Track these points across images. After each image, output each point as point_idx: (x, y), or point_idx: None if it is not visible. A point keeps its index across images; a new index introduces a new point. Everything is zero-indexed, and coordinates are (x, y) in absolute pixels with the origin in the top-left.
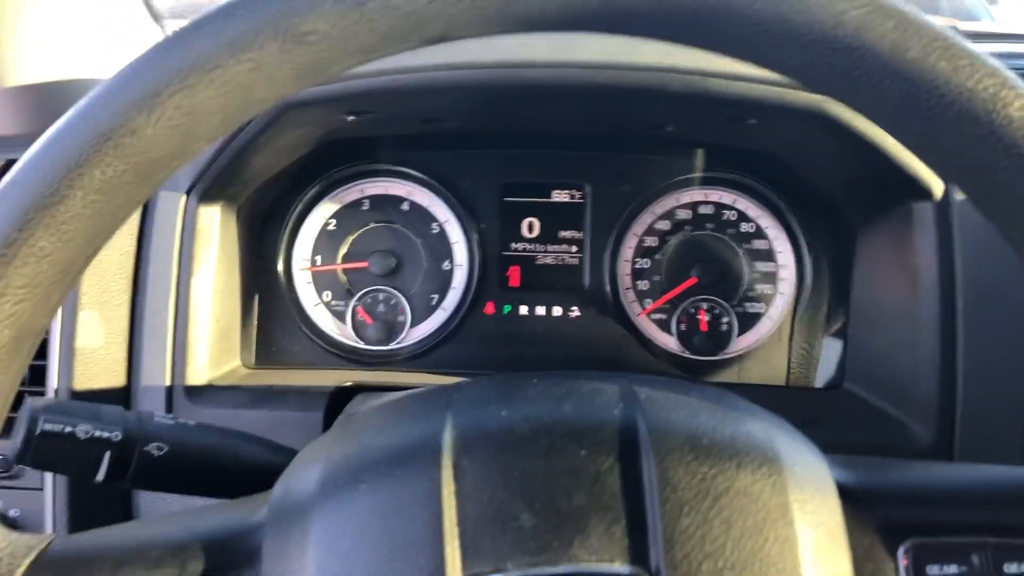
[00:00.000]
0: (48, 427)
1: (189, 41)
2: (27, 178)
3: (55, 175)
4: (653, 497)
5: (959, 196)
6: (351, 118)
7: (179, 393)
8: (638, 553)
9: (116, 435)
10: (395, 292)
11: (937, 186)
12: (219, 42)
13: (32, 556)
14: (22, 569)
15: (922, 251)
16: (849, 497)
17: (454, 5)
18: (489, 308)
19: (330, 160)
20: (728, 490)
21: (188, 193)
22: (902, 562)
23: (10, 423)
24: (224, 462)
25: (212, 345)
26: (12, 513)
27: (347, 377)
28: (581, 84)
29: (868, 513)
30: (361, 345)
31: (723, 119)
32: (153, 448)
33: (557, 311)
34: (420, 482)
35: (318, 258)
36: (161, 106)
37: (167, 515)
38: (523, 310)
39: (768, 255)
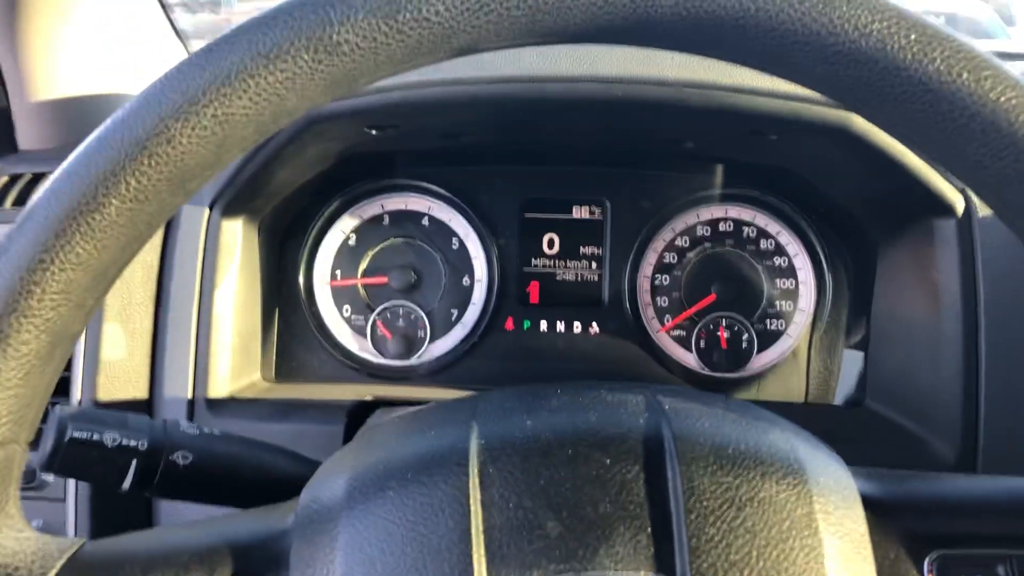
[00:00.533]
0: (77, 435)
1: (224, 51)
2: (65, 186)
3: (92, 183)
4: (678, 506)
5: (981, 212)
6: (374, 132)
7: (200, 405)
8: (663, 562)
9: (143, 443)
10: (415, 307)
11: (959, 202)
12: (254, 52)
13: (64, 559)
14: (54, 571)
15: (944, 268)
16: (874, 508)
17: (483, 17)
18: (509, 324)
19: (351, 175)
20: (753, 499)
21: (211, 207)
22: (927, 574)
23: (38, 432)
24: (248, 472)
25: (233, 358)
26: (34, 524)
27: (367, 392)
28: (601, 98)
29: (893, 524)
30: (380, 360)
31: (743, 134)
32: (179, 457)
33: (577, 327)
34: (447, 490)
35: (338, 272)
36: (196, 115)
37: (195, 521)
38: (543, 326)
39: (788, 272)
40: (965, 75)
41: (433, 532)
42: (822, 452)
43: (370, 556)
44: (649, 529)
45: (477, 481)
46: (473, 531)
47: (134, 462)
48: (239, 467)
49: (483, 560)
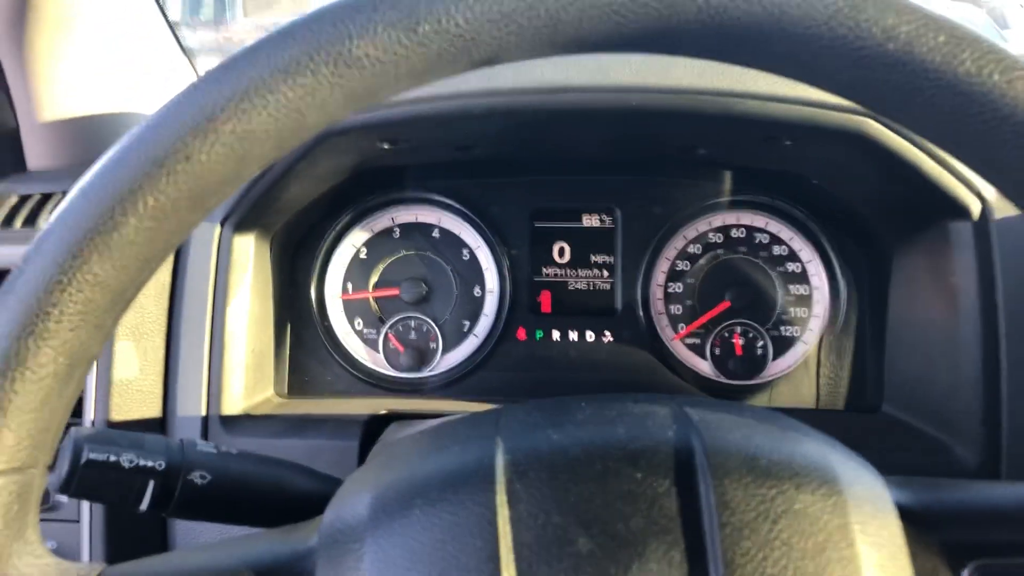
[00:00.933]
0: (93, 456)
1: (244, 67)
2: (82, 205)
3: (109, 201)
4: (712, 520)
5: (998, 215)
6: (387, 146)
7: (214, 423)
8: None
9: (160, 464)
10: (426, 319)
11: (975, 205)
12: (273, 67)
13: None
14: None
15: (961, 271)
16: (910, 518)
17: (505, 28)
18: (521, 334)
19: (362, 188)
20: (788, 512)
21: (223, 223)
22: None
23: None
24: (267, 491)
25: (247, 375)
26: (48, 545)
27: (381, 405)
28: (615, 108)
29: (930, 534)
30: (393, 373)
31: (757, 141)
32: (196, 477)
33: (590, 336)
34: (474, 507)
35: (349, 286)
36: (216, 131)
37: (215, 543)
38: (555, 335)
39: (802, 278)
40: (996, 76)
41: (461, 551)
42: (855, 462)
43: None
44: (682, 544)
45: (505, 498)
46: (502, 549)
47: (151, 483)
48: (257, 486)
49: None
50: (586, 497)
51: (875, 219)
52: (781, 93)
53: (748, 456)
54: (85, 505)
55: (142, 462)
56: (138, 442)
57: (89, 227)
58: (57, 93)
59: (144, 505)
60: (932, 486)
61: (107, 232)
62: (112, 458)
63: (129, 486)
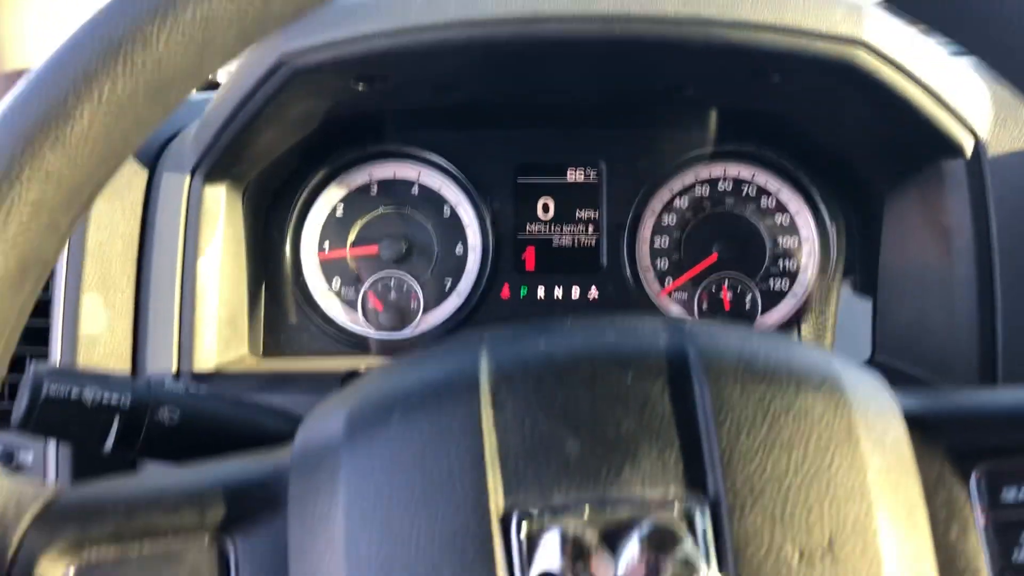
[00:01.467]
0: (54, 392)
1: None
2: (32, 93)
3: (62, 89)
4: (708, 420)
5: (991, 152)
6: (361, 86)
7: (186, 380)
8: (694, 478)
9: (125, 400)
10: (407, 277)
11: (968, 142)
12: None
13: (40, 501)
14: (30, 514)
15: (954, 212)
16: (915, 423)
17: None
18: (505, 292)
19: (337, 141)
20: (788, 411)
21: (192, 173)
22: (975, 487)
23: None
24: (239, 430)
25: (220, 331)
26: (22, 456)
27: (360, 364)
28: (599, 37)
29: (936, 439)
30: (373, 333)
31: (745, 76)
32: (164, 414)
33: (575, 293)
34: (456, 413)
35: (326, 244)
36: (175, 15)
37: (183, 467)
38: (540, 293)
39: (790, 229)
40: None
41: (444, 457)
42: (857, 366)
43: (376, 487)
44: (678, 444)
45: (489, 401)
46: (487, 454)
47: (116, 420)
48: (228, 425)
49: (499, 483)
50: (574, 400)
51: (865, 162)
52: (770, 21)
53: (744, 357)
54: (51, 463)
55: (106, 398)
56: (102, 378)
57: (40, 116)
58: (22, 41)
59: (108, 444)
60: (937, 392)
61: (60, 122)
62: (75, 394)
63: (92, 423)
